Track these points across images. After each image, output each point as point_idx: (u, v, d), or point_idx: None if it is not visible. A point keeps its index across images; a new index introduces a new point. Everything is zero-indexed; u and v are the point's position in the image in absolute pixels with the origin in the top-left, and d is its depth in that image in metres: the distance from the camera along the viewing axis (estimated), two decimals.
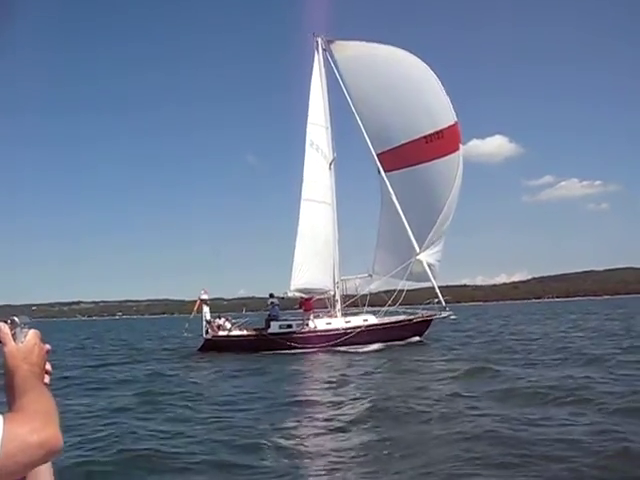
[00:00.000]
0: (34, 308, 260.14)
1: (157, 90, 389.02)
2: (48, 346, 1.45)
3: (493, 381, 13.74)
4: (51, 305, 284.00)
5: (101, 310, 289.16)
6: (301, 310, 26.91)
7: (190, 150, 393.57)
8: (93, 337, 51.30)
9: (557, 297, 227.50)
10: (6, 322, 1.41)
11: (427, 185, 27.96)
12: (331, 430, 9.49)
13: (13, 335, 1.38)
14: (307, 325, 26.18)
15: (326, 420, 10.34)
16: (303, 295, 26.79)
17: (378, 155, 28.60)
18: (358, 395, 12.82)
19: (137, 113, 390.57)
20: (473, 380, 14.15)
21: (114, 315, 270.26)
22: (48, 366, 1.44)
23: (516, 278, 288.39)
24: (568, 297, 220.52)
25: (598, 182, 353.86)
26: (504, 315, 68.17)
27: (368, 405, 11.23)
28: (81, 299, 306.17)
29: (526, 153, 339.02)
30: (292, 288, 26.23)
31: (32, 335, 1.41)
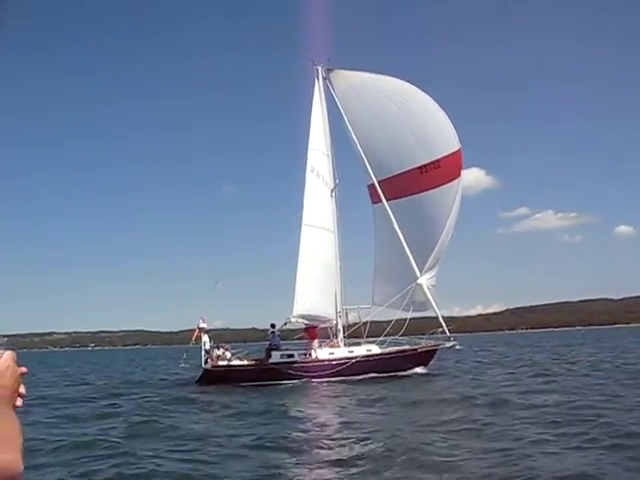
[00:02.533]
0: (5, 339, 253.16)
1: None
2: (24, 369, 1.42)
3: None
4: (23, 336, 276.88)
5: (74, 341, 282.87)
6: (303, 340, 26.31)
7: (171, 178, 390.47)
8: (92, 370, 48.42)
9: (531, 328, 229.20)
10: None
11: (424, 214, 27.96)
12: None
13: None
14: (311, 354, 25.53)
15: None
16: (306, 322, 26.24)
17: (373, 185, 28.51)
18: (367, 436, 11.71)
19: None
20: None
21: (87, 346, 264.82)
22: (22, 389, 1.41)
23: (492, 309, 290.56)
24: (542, 328, 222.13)
25: (573, 214, 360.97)
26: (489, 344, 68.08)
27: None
28: (54, 330, 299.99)
29: (502, 185, 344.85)
30: (295, 314, 25.61)
31: (6, 357, 1.38)
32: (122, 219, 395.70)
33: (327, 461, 9.77)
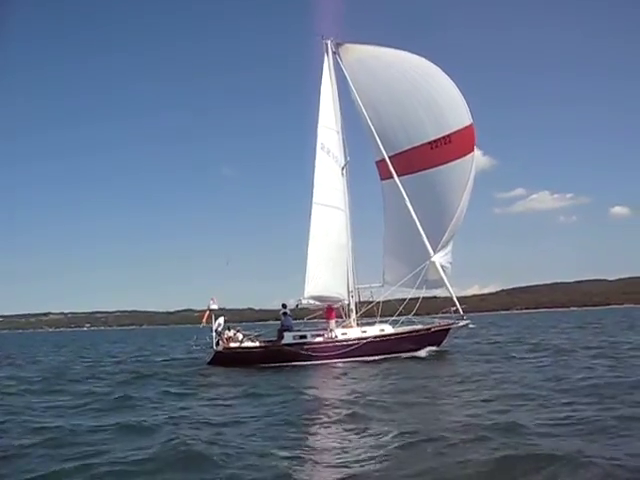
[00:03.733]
0: (1, 319, 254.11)
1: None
2: None
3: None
4: (19, 316, 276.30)
5: (69, 322, 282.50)
6: (315, 320, 25.98)
7: (169, 160, 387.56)
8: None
9: (526, 309, 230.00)
10: None
11: (435, 191, 27.40)
12: None
13: None
14: (330, 334, 25.17)
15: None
16: (317, 303, 25.87)
17: (382, 161, 27.94)
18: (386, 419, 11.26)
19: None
20: None
21: (82, 327, 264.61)
22: None
23: (488, 290, 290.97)
24: (537, 309, 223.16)
25: (569, 195, 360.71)
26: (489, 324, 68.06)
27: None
28: (50, 310, 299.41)
29: (499, 166, 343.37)
30: (306, 295, 25.18)
31: None
32: (118, 200, 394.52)
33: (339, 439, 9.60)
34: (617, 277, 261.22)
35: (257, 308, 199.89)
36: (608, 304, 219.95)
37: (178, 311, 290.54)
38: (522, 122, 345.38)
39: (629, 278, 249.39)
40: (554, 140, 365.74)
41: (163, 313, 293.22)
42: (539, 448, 8.17)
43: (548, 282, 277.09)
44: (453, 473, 7.42)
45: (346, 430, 10.29)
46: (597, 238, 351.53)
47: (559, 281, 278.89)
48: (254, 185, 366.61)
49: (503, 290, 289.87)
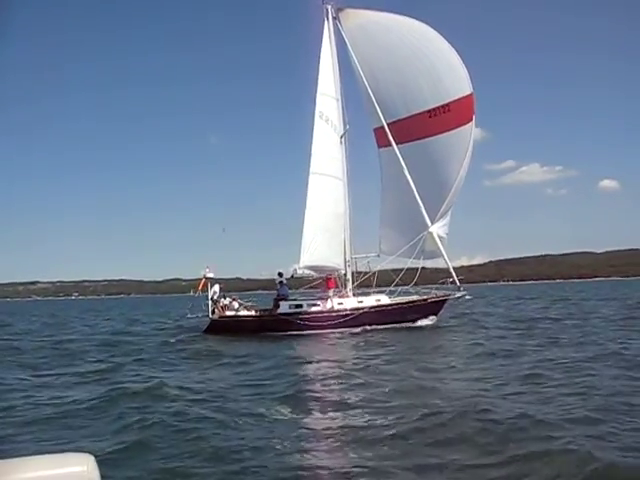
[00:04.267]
0: None
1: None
2: None
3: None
4: (7, 285, 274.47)
5: (57, 290, 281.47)
6: (310, 289, 25.89)
7: (154, 134, 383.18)
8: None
9: (512, 281, 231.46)
10: None
11: (433, 160, 26.93)
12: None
13: None
14: (327, 303, 25.08)
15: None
16: (313, 273, 25.71)
17: (380, 128, 27.50)
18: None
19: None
20: None
21: (70, 295, 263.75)
22: None
23: (476, 261, 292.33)
24: (523, 281, 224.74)
25: (559, 167, 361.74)
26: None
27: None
28: (38, 279, 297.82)
29: (489, 137, 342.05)
30: (301, 265, 24.92)
31: None
32: (106, 170, 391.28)
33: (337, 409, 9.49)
34: (604, 250, 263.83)
35: (245, 277, 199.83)
36: (595, 276, 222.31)
37: (167, 280, 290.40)
38: (513, 94, 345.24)
39: (616, 251, 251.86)
40: (545, 113, 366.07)
41: (152, 282, 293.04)
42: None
43: (536, 254, 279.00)
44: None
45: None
46: (585, 211, 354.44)
47: (546, 253, 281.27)
48: (242, 155, 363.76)
49: (491, 262, 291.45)
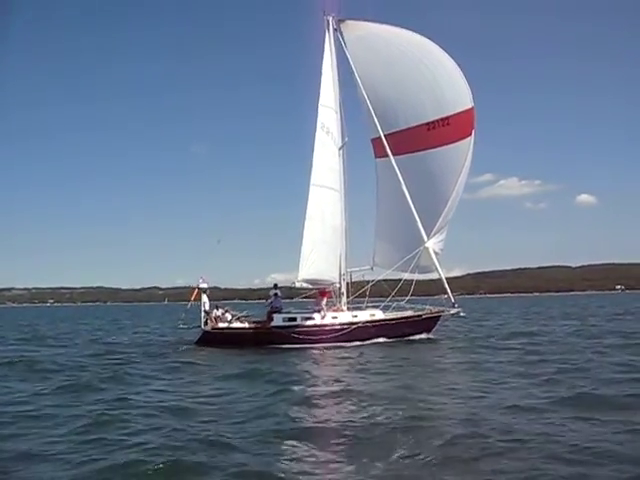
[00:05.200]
0: None
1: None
2: None
3: None
4: None
5: (33, 297, 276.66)
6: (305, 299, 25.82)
7: (144, 138, 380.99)
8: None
9: (489, 293, 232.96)
10: None
11: (429, 173, 26.86)
12: None
13: None
14: (319, 313, 24.93)
15: None
16: (310, 286, 25.40)
17: (378, 139, 27.36)
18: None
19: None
20: None
21: (46, 302, 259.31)
22: None
23: (454, 273, 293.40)
24: (500, 293, 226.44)
25: (537, 182, 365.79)
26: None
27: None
28: (14, 285, 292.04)
29: None
30: (299, 278, 24.61)
31: None
32: (85, 179, 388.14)
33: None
34: (580, 264, 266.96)
35: (222, 287, 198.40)
36: (571, 290, 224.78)
37: (144, 288, 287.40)
38: (492, 107, 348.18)
39: (591, 265, 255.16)
40: (524, 126, 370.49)
41: (129, 290, 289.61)
42: None
43: (514, 267, 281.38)
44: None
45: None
46: (563, 225, 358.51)
47: (524, 267, 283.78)
48: (228, 165, 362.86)
49: (469, 274, 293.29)
